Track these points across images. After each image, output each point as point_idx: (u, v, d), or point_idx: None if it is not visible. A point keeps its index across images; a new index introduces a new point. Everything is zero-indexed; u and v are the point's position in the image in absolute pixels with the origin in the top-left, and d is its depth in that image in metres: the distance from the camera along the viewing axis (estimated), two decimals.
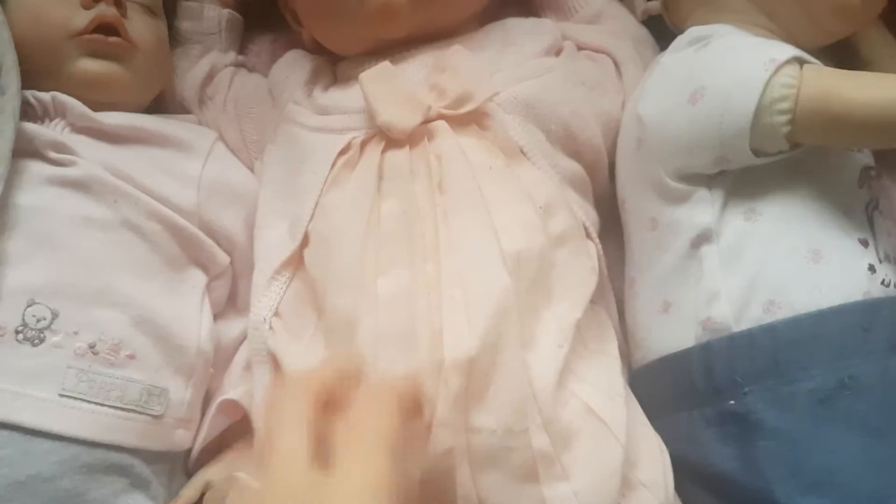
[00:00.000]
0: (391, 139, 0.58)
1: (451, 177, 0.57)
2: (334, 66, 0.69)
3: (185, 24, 0.72)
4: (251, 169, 0.69)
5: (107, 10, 0.62)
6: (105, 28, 0.62)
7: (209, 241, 0.63)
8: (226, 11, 0.73)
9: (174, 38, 0.72)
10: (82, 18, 0.61)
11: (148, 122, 0.64)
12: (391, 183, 0.58)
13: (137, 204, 0.60)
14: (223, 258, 0.64)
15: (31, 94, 0.61)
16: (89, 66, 0.62)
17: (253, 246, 0.64)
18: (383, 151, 0.59)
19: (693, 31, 0.61)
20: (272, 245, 0.61)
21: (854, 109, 0.51)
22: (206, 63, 0.72)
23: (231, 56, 0.74)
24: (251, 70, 0.75)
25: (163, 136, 0.64)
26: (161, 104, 0.71)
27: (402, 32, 0.63)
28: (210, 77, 0.72)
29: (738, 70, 0.54)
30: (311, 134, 0.63)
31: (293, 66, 0.69)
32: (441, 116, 0.59)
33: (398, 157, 0.58)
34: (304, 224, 0.59)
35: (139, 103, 0.67)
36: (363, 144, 0.60)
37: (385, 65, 0.61)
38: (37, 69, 0.61)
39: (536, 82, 0.62)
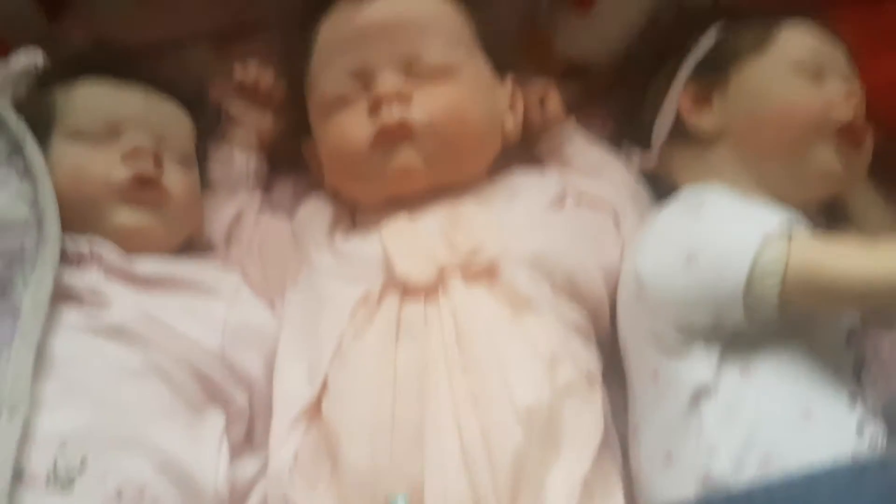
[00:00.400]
0: (408, 290, 0.63)
1: (465, 332, 0.60)
2: (354, 212, 0.74)
3: (215, 171, 0.78)
4: (272, 306, 0.73)
5: (145, 165, 0.67)
6: (142, 181, 0.67)
7: (230, 383, 0.66)
8: (253, 157, 0.79)
9: (205, 181, 0.77)
10: (123, 173, 0.67)
11: (178, 268, 0.68)
12: (408, 335, 0.61)
13: (166, 350, 0.63)
14: (242, 399, 0.67)
15: (68, 241, 0.65)
16: (126, 216, 0.67)
17: (271, 385, 0.67)
18: (400, 302, 0.63)
19: (687, 195, 0.66)
20: (291, 391, 0.64)
21: (840, 283, 0.55)
22: (234, 205, 0.77)
23: (257, 197, 0.79)
24: (275, 210, 0.80)
25: (191, 281, 0.68)
26: (189, 242, 0.75)
27: (418, 189, 0.68)
28: (237, 219, 0.77)
29: (730, 240, 0.59)
30: (331, 280, 0.67)
31: (316, 212, 0.74)
32: (454, 270, 0.63)
33: (414, 309, 0.62)
34: (322, 371, 0.62)
35: (170, 247, 0.71)
36: (381, 294, 0.64)
37: (403, 220, 0.66)
38: (75, 217, 0.66)
39: (543, 236, 0.67)
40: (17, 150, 0.64)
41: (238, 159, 0.78)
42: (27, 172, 0.64)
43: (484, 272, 0.63)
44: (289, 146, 0.81)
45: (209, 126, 0.79)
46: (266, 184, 0.82)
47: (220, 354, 0.66)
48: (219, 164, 0.78)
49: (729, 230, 0.60)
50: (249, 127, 0.79)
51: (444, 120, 0.66)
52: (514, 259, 0.64)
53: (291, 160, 0.82)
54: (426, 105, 0.66)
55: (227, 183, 0.78)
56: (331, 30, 0.71)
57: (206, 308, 0.67)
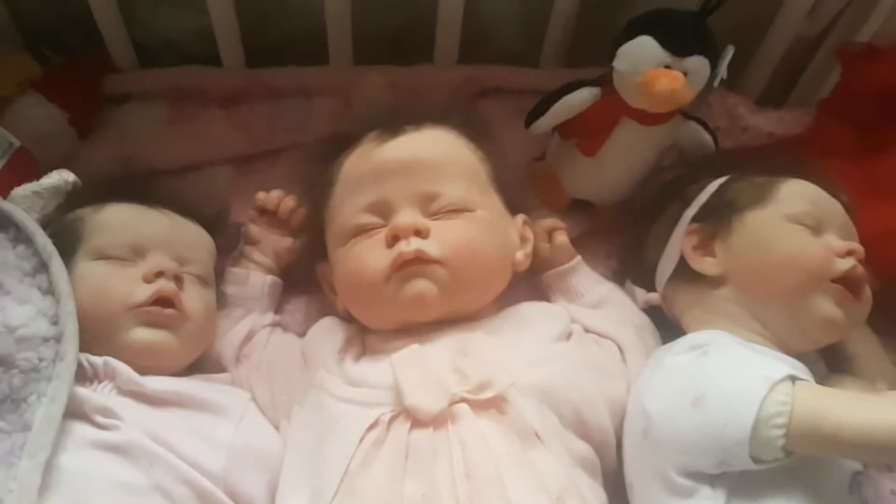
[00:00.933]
0: (417, 419, 0.63)
1: (473, 464, 0.60)
2: (364, 335, 0.75)
3: (230, 289, 0.80)
4: (277, 426, 0.73)
5: (166, 285, 0.69)
6: (162, 300, 0.69)
7: None
8: (269, 278, 0.81)
9: (219, 301, 0.78)
10: (143, 292, 0.69)
11: (188, 387, 0.69)
12: (415, 464, 0.61)
13: (170, 469, 0.63)
14: None
15: (84, 358, 0.66)
16: (143, 335, 0.68)
17: None
18: (409, 430, 0.63)
19: (692, 338, 0.69)
20: None
21: (842, 430, 0.56)
22: (247, 325, 0.78)
23: (269, 317, 0.80)
24: (286, 329, 0.82)
25: (200, 401, 0.68)
26: (199, 359, 0.76)
27: (431, 318, 0.70)
28: (248, 338, 0.78)
29: (737, 385, 0.60)
30: (339, 404, 0.68)
31: (327, 334, 0.76)
32: (463, 400, 0.64)
33: (422, 437, 0.62)
34: (327, 499, 0.62)
35: (183, 365, 0.72)
36: (390, 422, 0.64)
37: (414, 348, 0.67)
38: (93, 335, 0.67)
39: (550, 369, 0.68)
40: (42, 267, 0.66)
41: (254, 281, 0.80)
42: (50, 289, 0.66)
43: (493, 403, 0.64)
44: (303, 267, 0.84)
45: (227, 245, 0.82)
46: (279, 303, 0.84)
47: (223, 477, 0.65)
48: (234, 283, 0.80)
49: (735, 376, 0.62)
50: (267, 249, 0.82)
51: (459, 253, 0.69)
52: (522, 391, 0.65)
53: (304, 281, 0.85)
54: (442, 239, 0.70)
55: (242, 302, 0.80)
56: (355, 165, 0.75)
57: (212, 428, 0.67)
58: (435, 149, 0.74)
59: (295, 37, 0.96)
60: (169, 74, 0.92)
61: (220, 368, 0.76)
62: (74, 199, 0.74)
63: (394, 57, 0.95)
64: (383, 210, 0.72)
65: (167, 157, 0.90)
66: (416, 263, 0.69)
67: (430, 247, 0.69)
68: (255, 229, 0.83)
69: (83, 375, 0.67)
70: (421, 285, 0.69)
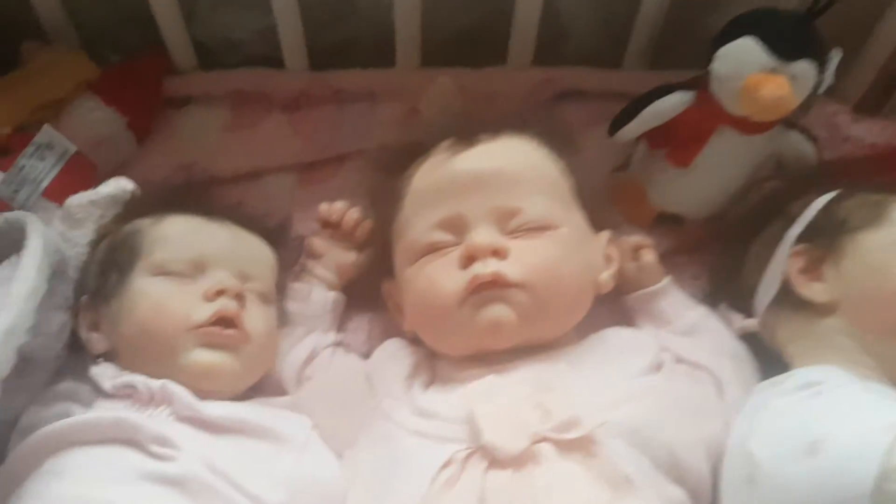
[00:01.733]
0: (495, 459, 0.58)
1: None
2: (434, 361, 0.70)
3: (292, 306, 0.76)
4: (340, 455, 0.68)
5: (228, 304, 0.65)
6: (223, 320, 0.65)
7: None
8: (332, 294, 0.77)
9: (280, 318, 0.74)
10: (204, 311, 0.65)
11: (249, 412, 0.65)
12: None
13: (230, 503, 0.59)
14: None
15: (141, 381, 0.63)
16: (203, 357, 0.64)
17: None
18: (486, 471, 0.58)
19: (802, 375, 0.62)
20: None
21: None
22: (309, 344, 0.74)
23: (332, 336, 0.76)
24: (348, 349, 0.77)
25: (261, 428, 0.64)
26: (258, 381, 0.72)
27: (508, 346, 0.65)
28: (310, 359, 0.73)
29: (857, 431, 0.54)
30: (408, 436, 0.63)
31: (393, 358, 0.71)
32: (547, 439, 0.58)
33: (501, 479, 0.57)
34: None
35: (243, 388, 0.68)
36: (465, 460, 0.59)
37: (491, 380, 0.62)
38: (150, 356, 0.64)
39: (641, 406, 0.62)
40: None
41: (316, 297, 0.76)
42: None
43: (580, 444, 0.58)
44: (367, 282, 0.80)
45: (288, 258, 0.77)
46: (340, 321, 0.79)
47: None
48: (296, 300, 0.76)
49: (855, 421, 0.55)
50: (330, 263, 0.78)
51: (540, 276, 0.64)
52: (612, 431, 0.59)
53: (368, 297, 0.80)
54: (522, 260, 0.64)
55: (303, 320, 0.75)
56: (426, 177, 0.70)
57: (273, 458, 0.63)
58: (514, 160, 0.69)
59: (359, 37, 0.91)
60: (231, 77, 0.88)
61: (281, 391, 0.72)
62: (133, 209, 0.71)
63: (462, 58, 0.90)
64: (457, 227, 0.67)
65: (227, 165, 0.86)
66: (493, 287, 0.63)
67: (509, 269, 0.63)
68: (317, 242, 0.78)
69: (137, 398, 0.63)
70: (498, 311, 0.63)
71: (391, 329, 0.78)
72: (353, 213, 0.78)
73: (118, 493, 0.57)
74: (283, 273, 0.75)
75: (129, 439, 0.59)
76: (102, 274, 0.67)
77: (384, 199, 0.74)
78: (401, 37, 0.87)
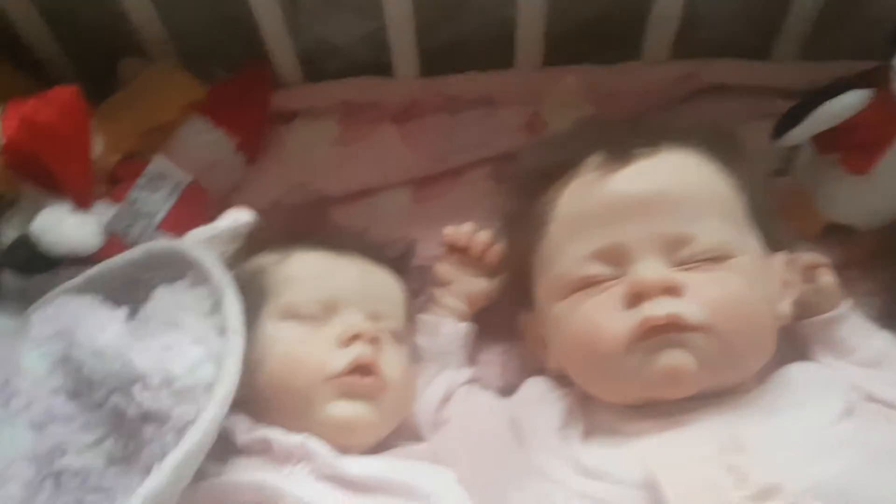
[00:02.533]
0: None
1: None
2: (588, 406, 0.63)
3: (421, 341, 0.70)
4: None
5: (364, 351, 0.60)
6: (361, 368, 0.60)
7: None
8: (463, 325, 0.71)
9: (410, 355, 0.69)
10: (340, 360, 0.59)
11: (390, 470, 0.59)
12: None
13: None
14: None
15: (278, 436, 0.58)
16: (342, 409, 0.59)
17: None
18: None
19: None
20: None
21: None
22: (443, 384, 0.68)
23: (465, 373, 0.70)
24: (481, 385, 0.71)
25: (406, 487, 0.58)
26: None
27: (684, 395, 0.57)
28: (445, 399, 0.68)
29: None
30: (573, 500, 0.56)
31: (542, 403, 0.64)
32: None
33: None
34: None
35: (380, 439, 0.63)
36: None
37: (670, 437, 0.55)
38: (285, 408, 0.59)
39: (844, 463, 0.53)
40: (218, 305, 0.58)
41: (447, 330, 0.70)
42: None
43: None
44: (499, 310, 0.73)
45: (413, 289, 0.71)
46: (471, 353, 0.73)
47: None
48: (425, 333, 0.70)
49: None
50: (459, 291, 0.71)
51: (724, 317, 0.55)
52: (817, 495, 0.51)
53: (499, 324, 0.73)
54: (700, 298, 0.56)
55: (434, 356, 0.69)
56: (575, 201, 0.62)
57: None
58: (680, 178, 0.60)
59: (472, 36, 0.83)
60: (338, 87, 0.82)
61: (416, 436, 0.67)
62: (253, 241, 0.66)
63: (589, 54, 0.81)
64: (617, 258, 0.59)
65: (338, 183, 0.81)
66: (668, 331, 0.55)
67: (687, 309, 0.55)
68: (444, 269, 0.72)
69: (274, 457, 0.58)
70: (676, 358, 0.55)
71: (529, 362, 0.71)
72: (483, 237, 0.71)
73: None
74: (409, 305, 0.69)
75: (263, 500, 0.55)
76: None
77: (521, 223, 0.67)
78: (521, 33, 0.79)
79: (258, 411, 0.61)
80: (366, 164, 0.81)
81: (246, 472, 0.57)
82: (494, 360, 0.73)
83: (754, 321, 0.57)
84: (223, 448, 0.60)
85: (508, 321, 0.71)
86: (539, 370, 0.69)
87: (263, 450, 0.59)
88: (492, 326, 0.73)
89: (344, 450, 0.59)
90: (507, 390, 0.71)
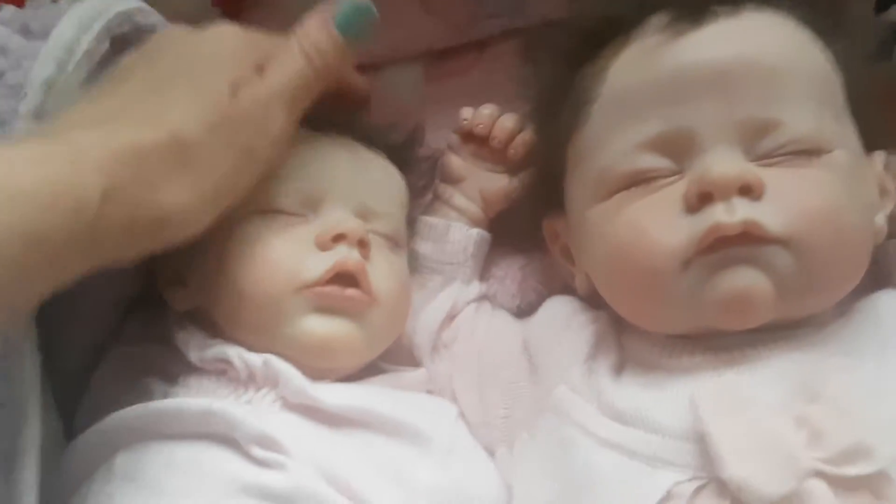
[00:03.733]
0: (742, 500, 0.40)
1: None
2: (624, 334, 0.52)
3: (424, 248, 0.59)
4: (491, 452, 0.53)
5: (348, 256, 0.49)
6: (343, 277, 0.49)
7: None
8: (474, 232, 0.59)
9: (409, 264, 0.58)
10: (318, 266, 0.48)
11: (378, 401, 0.49)
12: None
13: None
14: None
15: (237, 354, 0.48)
16: (316, 326, 0.49)
17: None
18: None
19: None
20: None
21: None
22: (447, 300, 0.57)
23: (474, 289, 0.59)
24: (494, 303, 0.60)
25: (395, 424, 0.48)
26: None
27: (751, 326, 0.45)
28: (450, 318, 0.57)
29: None
30: (600, 450, 0.45)
31: (566, 329, 0.53)
32: (819, 474, 0.40)
33: None
34: None
35: (364, 363, 0.53)
36: (694, 495, 0.41)
37: (730, 380, 0.44)
38: (248, 321, 0.49)
39: None
40: None
41: (456, 236, 0.59)
42: None
43: (868, 484, 0.40)
44: (515, 214, 0.61)
45: (417, 185, 0.60)
46: (484, 268, 0.62)
47: None
48: (429, 239, 0.59)
49: None
50: (473, 190, 0.60)
51: (812, 226, 0.43)
52: None
53: (516, 233, 0.62)
54: (784, 202, 0.43)
55: (438, 266, 0.59)
56: (629, 73, 0.49)
57: (411, 466, 0.47)
58: (769, 48, 0.46)
59: None
60: None
61: (411, 360, 0.56)
62: None
63: None
64: (679, 147, 0.46)
65: None
66: (742, 242, 0.43)
67: (767, 215, 0.43)
68: (457, 162, 0.61)
69: (233, 377, 0.48)
70: (747, 278, 0.43)
71: (551, 279, 0.60)
72: (507, 122, 0.59)
73: None
74: (411, 204, 0.58)
75: (224, 436, 0.45)
76: None
77: (554, 105, 0.54)
78: None
79: (219, 324, 0.51)
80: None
81: (196, 396, 0.47)
82: (510, 275, 0.61)
83: (848, 235, 0.44)
84: (177, 365, 0.51)
85: (529, 229, 0.59)
86: (563, 289, 0.58)
87: (221, 370, 0.49)
88: (509, 235, 0.62)
89: (319, 376, 0.49)
90: (524, 312, 0.60)
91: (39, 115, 0.46)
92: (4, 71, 0.47)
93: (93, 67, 0.48)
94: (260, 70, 0.46)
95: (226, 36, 0.47)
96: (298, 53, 0.47)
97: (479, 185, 0.60)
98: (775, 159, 0.45)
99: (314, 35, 0.47)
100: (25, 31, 0.47)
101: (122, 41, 0.49)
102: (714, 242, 0.43)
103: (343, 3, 0.48)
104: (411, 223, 0.58)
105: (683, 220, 0.44)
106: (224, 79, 0.44)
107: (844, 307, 0.49)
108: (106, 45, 0.48)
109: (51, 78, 0.46)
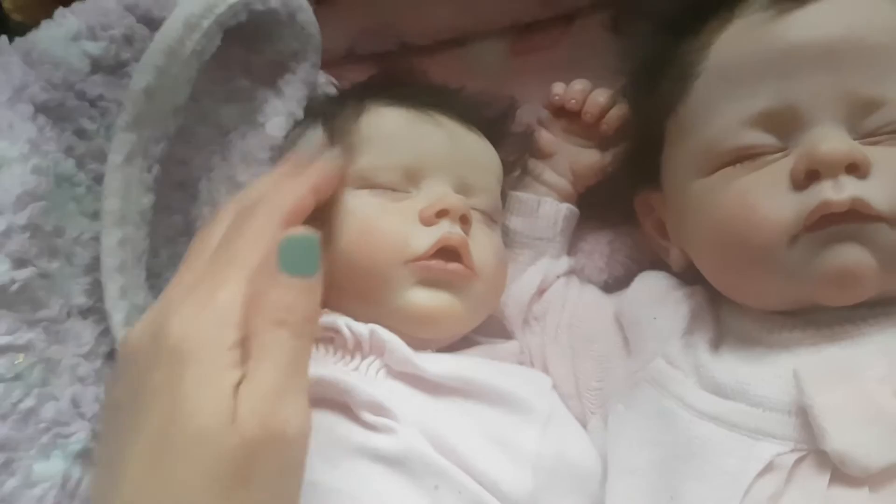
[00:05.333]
0: (843, 471, 0.42)
1: None
2: (721, 308, 0.53)
3: (515, 223, 0.61)
4: (584, 423, 0.55)
5: (452, 231, 0.51)
6: (446, 252, 0.51)
7: None
8: (564, 207, 0.61)
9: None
10: (423, 241, 0.51)
11: (477, 371, 0.51)
12: None
13: (464, 492, 0.47)
14: None
15: (344, 323, 0.51)
16: (421, 298, 0.51)
17: None
18: (827, 486, 0.42)
19: None
20: None
21: None
22: (537, 274, 0.60)
23: (564, 263, 0.61)
24: (581, 277, 0.63)
25: (495, 392, 0.51)
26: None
27: (854, 302, 0.47)
28: (540, 292, 0.59)
29: None
30: (699, 421, 0.47)
31: (661, 303, 0.55)
32: None
33: (852, 500, 0.41)
34: None
35: (461, 334, 0.55)
36: (794, 466, 0.43)
37: (833, 354, 0.45)
38: (355, 291, 0.52)
39: None
40: None
41: (546, 211, 0.61)
42: None
43: None
44: (605, 189, 0.63)
45: (508, 160, 0.61)
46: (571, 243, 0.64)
47: (528, 502, 0.48)
48: (520, 215, 0.61)
49: None
50: (563, 165, 0.62)
51: None
52: None
53: (605, 208, 0.63)
54: (892, 181, 0.44)
55: (528, 241, 0.61)
56: (734, 48, 0.50)
57: (513, 433, 0.50)
58: (875, 23, 0.47)
59: None
60: None
61: (503, 332, 0.59)
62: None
63: None
64: (786, 124, 0.47)
65: (423, 27, 0.70)
66: (848, 220, 0.44)
67: (873, 193, 0.44)
68: (547, 137, 0.62)
69: (340, 344, 0.51)
70: (853, 255, 0.44)
71: (638, 254, 0.62)
72: (599, 97, 0.60)
73: (325, 472, 0.46)
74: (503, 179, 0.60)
75: (335, 402, 0.48)
76: None
77: (652, 79, 0.55)
78: None
79: (326, 296, 0.54)
80: (457, 3, 0.69)
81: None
82: (599, 250, 0.63)
83: None
84: None
85: (618, 205, 0.61)
86: (651, 264, 0.60)
87: (328, 339, 0.52)
88: (598, 210, 0.63)
89: (421, 345, 0.51)
90: (611, 287, 0.62)
91: (139, 124, 0.48)
92: (128, 61, 0.49)
93: (203, 65, 0.49)
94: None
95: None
96: (278, 341, 0.39)
97: (569, 160, 0.62)
98: (880, 137, 0.46)
99: (277, 301, 0.39)
100: (148, 20, 0.49)
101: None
102: (821, 219, 0.45)
103: (282, 245, 0.40)
104: (503, 199, 0.60)
105: (791, 197, 0.46)
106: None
107: None
108: (217, 41, 0.49)
109: (150, 87, 0.48)
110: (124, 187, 0.50)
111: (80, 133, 0.50)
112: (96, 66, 0.49)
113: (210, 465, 0.35)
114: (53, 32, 0.49)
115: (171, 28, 0.48)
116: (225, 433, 0.36)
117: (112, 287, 0.50)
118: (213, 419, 0.36)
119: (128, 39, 0.49)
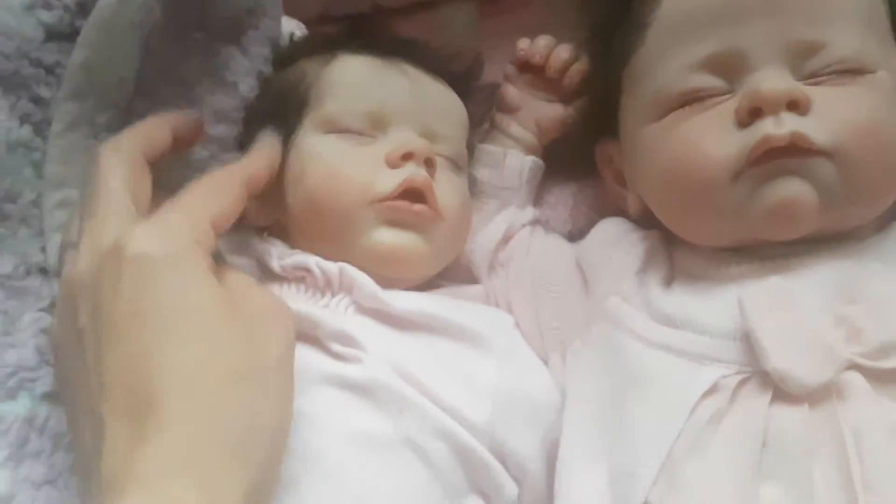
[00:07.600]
0: (782, 390, 0.45)
1: (875, 466, 0.42)
2: (674, 250, 0.56)
3: (483, 173, 0.64)
4: (545, 361, 0.58)
5: (416, 173, 0.54)
6: (411, 193, 0.54)
7: (499, 468, 0.52)
8: (529, 159, 0.64)
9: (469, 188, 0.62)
10: (388, 182, 0.53)
11: (442, 307, 0.54)
12: (778, 457, 0.44)
13: (425, 418, 0.49)
14: (511, 489, 0.52)
15: (315, 263, 0.53)
16: (386, 237, 0.54)
17: (547, 477, 0.52)
18: (769, 405, 0.45)
19: None
20: None
21: None
22: (503, 222, 0.62)
23: (529, 213, 0.64)
24: (547, 228, 0.65)
25: (457, 328, 0.54)
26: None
27: (797, 235, 0.49)
28: (505, 240, 0.62)
29: None
30: (649, 350, 0.50)
31: (617, 245, 0.58)
32: (856, 367, 0.44)
33: (791, 418, 0.44)
34: (642, 491, 0.46)
35: (427, 276, 0.58)
36: (737, 388, 0.46)
37: (775, 283, 0.48)
38: (323, 233, 0.54)
39: None
40: None
41: (512, 163, 0.63)
42: None
43: None
44: (568, 143, 0.65)
45: (475, 114, 0.64)
46: (537, 194, 0.66)
47: (488, 431, 0.51)
48: (487, 166, 0.64)
49: None
50: (528, 119, 0.64)
51: (857, 140, 0.47)
52: None
53: (569, 161, 0.66)
54: (830, 116, 0.47)
55: (495, 191, 0.63)
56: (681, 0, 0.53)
57: (473, 366, 0.53)
58: None
59: None
60: None
61: (470, 278, 0.62)
62: (291, 48, 0.59)
63: None
64: (731, 67, 0.50)
65: None
66: (789, 154, 0.47)
67: (813, 129, 0.47)
68: (513, 92, 0.65)
69: (312, 284, 0.54)
70: (794, 188, 0.47)
71: (601, 205, 0.64)
72: (562, 52, 0.63)
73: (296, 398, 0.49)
74: (470, 132, 0.62)
75: (306, 334, 0.51)
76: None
77: (609, 33, 0.58)
78: None
79: (294, 237, 0.56)
80: None
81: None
82: (563, 201, 0.66)
83: (889, 149, 0.48)
84: (256, 273, 0.56)
85: (581, 158, 0.64)
86: (614, 215, 0.62)
87: (300, 277, 0.55)
88: (562, 163, 0.66)
89: (387, 285, 0.54)
90: (575, 237, 0.65)
91: (79, 96, 0.50)
92: (82, 29, 0.50)
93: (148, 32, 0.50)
94: None
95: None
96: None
97: (534, 114, 0.64)
98: (821, 78, 0.49)
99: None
100: None
101: None
102: (763, 154, 0.47)
103: None
104: (470, 150, 0.63)
105: (735, 135, 0.49)
106: None
107: (884, 222, 0.53)
108: (158, 12, 0.50)
109: (88, 61, 0.49)
110: (66, 154, 0.52)
111: (37, 100, 0.51)
112: (50, 34, 0.51)
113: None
114: (7, 3, 0.50)
115: (105, 3, 0.50)
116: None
117: (51, 245, 0.52)
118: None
119: (81, 7, 0.50)
